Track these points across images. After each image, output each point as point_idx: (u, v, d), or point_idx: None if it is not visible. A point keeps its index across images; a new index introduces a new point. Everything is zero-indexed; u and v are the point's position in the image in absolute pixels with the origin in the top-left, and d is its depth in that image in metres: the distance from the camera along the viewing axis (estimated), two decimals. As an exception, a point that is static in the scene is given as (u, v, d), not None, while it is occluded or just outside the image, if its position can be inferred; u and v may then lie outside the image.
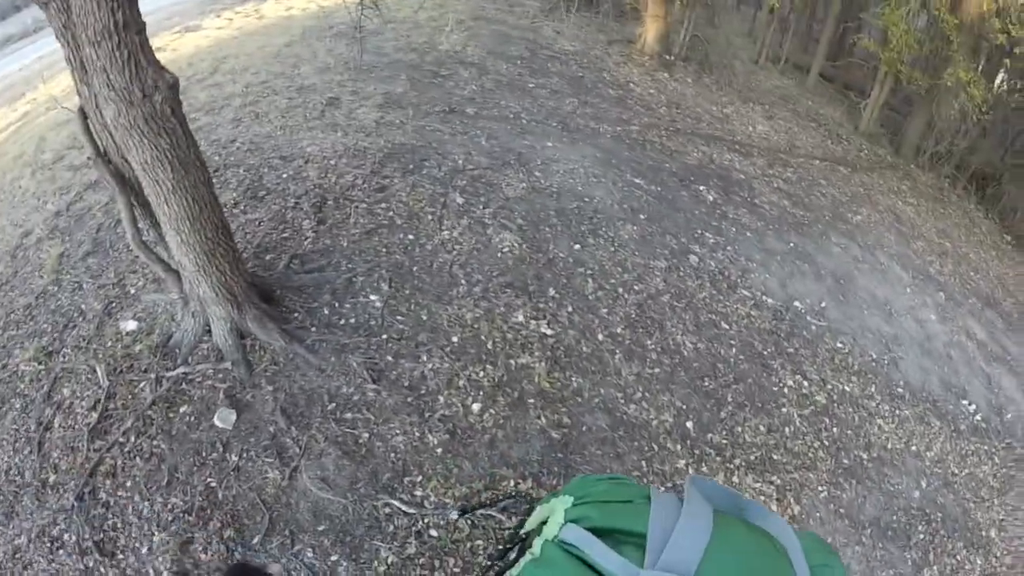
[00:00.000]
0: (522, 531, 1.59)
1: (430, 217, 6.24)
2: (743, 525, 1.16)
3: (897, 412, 6.38)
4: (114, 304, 5.20)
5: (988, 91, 12.67)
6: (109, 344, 4.80)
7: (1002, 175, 14.38)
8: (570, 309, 5.74)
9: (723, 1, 14.06)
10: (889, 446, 6.00)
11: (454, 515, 3.87)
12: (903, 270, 8.99)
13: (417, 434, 4.37)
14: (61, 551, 3.70)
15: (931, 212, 11.74)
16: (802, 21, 19.02)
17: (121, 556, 3.68)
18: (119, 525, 3.80)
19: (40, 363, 4.74)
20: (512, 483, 4.23)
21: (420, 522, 3.90)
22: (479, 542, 3.86)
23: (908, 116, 14.81)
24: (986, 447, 6.59)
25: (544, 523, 1.31)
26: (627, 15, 14.50)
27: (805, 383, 6.13)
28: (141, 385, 4.47)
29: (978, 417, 6.97)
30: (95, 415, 4.29)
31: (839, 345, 6.81)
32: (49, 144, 8.19)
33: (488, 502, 4.03)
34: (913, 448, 6.12)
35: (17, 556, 3.71)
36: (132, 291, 5.31)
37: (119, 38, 3.41)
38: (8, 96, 11.35)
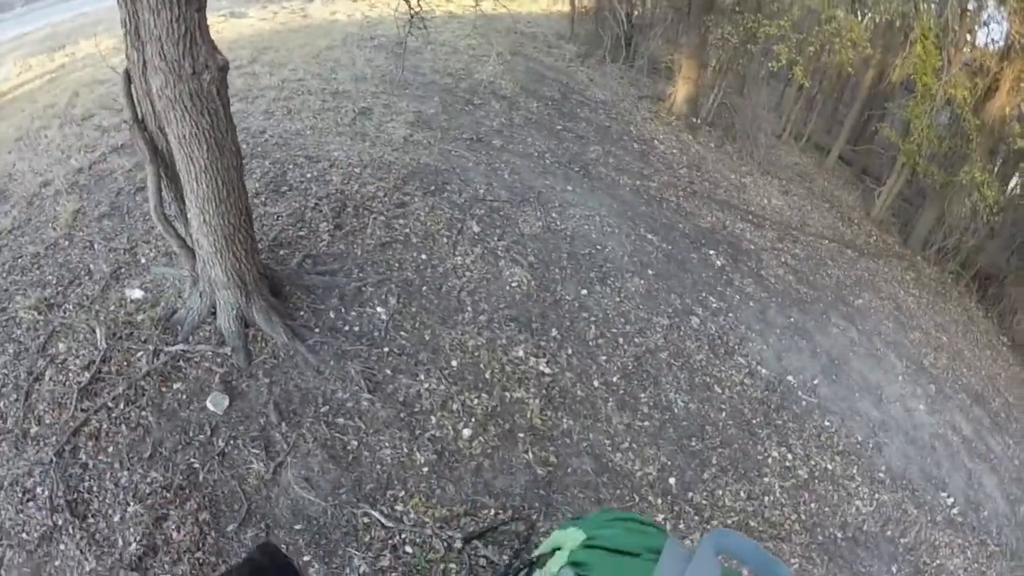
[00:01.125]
0: (535, 553, 1.59)
1: (445, 240, 6.30)
2: None
3: (876, 496, 6.39)
4: (122, 270, 5.20)
5: (1001, 193, 12.95)
6: (112, 308, 4.78)
7: (1005, 276, 14.57)
8: (570, 351, 5.79)
9: (754, 73, 14.30)
10: (865, 528, 5.99)
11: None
12: (897, 358, 9.07)
13: (405, 450, 4.37)
14: (31, 503, 3.64)
15: (931, 305, 11.87)
16: (828, 103, 19.42)
17: (92, 520, 3.63)
18: (94, 489, 3.75)
19: (40, 313, 4.70)
20: (492, 512, 4.21)
21: (397, 536, 3.87)
22: (452, 565, 3.82)
23: (920, 208, 15.07)
24: (960, 540, 6.59)
25: (557, 550, 1.31)
26: (660, 73, 14.80)
27: (789, 456, 6.14)
28: (138, 354, 4.44)
29: (955, 511, 6.98)
30: (87, 375, 4.26)
31: (827, 423, 6.84)
32: (81, 100, 8.25)
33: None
34: (888, 533, 6.11)
35: (-15, 499, 3.64)
36: (143, 260, 5.32)
37: (179, 11, 3.44)
38: (48, 45, 11.41)
